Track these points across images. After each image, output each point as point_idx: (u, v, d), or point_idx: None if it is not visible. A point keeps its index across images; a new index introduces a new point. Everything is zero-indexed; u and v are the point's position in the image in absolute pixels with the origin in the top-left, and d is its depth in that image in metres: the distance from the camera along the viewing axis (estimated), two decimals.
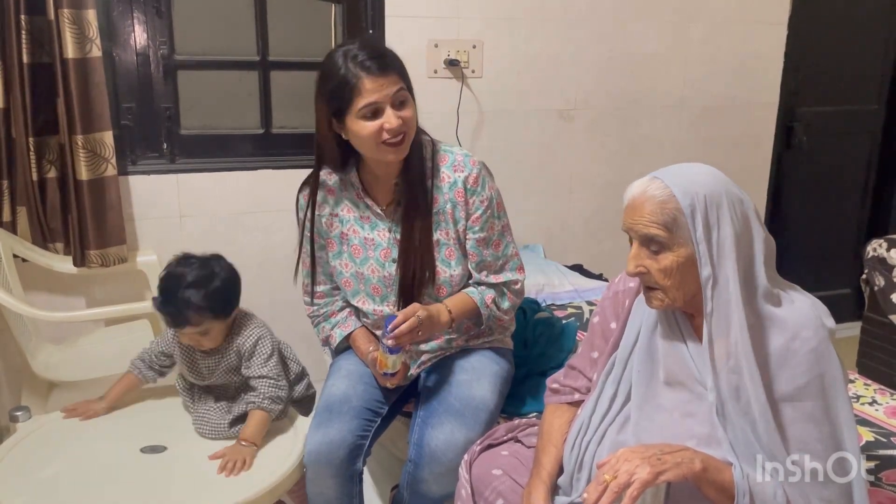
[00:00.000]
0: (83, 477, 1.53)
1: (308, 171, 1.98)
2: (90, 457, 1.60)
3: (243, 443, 1.60)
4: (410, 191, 1.63)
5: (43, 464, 1.57)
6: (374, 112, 1.52)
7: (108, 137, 2.26)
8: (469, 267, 1.69)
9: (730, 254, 1.12)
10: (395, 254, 1.67)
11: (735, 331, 1.12)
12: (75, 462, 1.58)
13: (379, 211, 1.69)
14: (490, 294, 1.69)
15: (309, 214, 1.72)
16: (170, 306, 1.60)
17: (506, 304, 1.71)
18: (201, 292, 1.58)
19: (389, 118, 1.52)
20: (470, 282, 1.72)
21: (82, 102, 2.20)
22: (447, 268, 1.67)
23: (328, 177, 1.71)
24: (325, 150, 1.64)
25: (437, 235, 1.66)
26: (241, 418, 1.67)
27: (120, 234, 2.33)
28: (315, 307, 1.80)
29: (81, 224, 2.27)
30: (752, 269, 1.15)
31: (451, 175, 1.66)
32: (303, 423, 1.72)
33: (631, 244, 1.19)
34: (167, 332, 1.77)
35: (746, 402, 1.13)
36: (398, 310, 1.65)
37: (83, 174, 2.23)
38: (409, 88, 1.58)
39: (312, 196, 1.70)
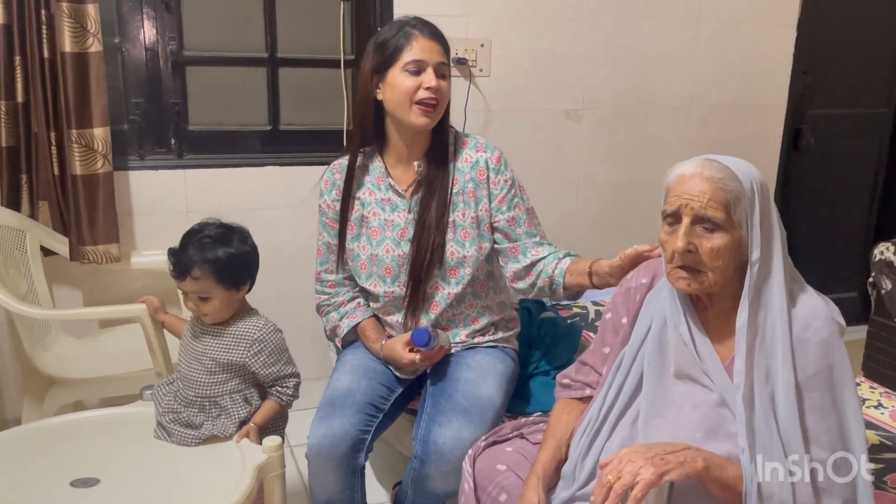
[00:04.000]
0: None
1: (315, 168, 1.99)
2: (13, 493, 1.42)
3: (252, 425, 1.61)
4: (431, 170, 1.69)
5: None
6: (418, 71, 1.61)
7: (103, 133, 2.24)
8: (501, 247, 1.71)
9: (777, 239, 1.16)
10: (410, 233, 1.70)
11: (775, 314, 1.15)
12: None
13: (401, 191, 1.72)
14: (560, 254, 1.68)
15: (327, 200, 1.76)
16: (179, 254, 1.59)
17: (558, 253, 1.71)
18: (211, 247, 1.58)
19: (430, 78, 1.60)
20: (534, 259, 1.68)
21: (78, 97, 2.19)
22: (461, 248, 1.69)
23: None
24: (361, 117, 1.69)
25: (453, 216, 1.70)
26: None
27: (112, 231, 2.30)
28: (325, 296, 1.82)
29: (76, 219, 2.27)
30: (788, 257, 1.19)
31: (473, 155, 1.72)
32: (252, 452, 1.54)
33: (668, 224, 1.18)
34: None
35: (774, 385, 1.14)
36: (407, 291, 1.70)
37: (77, 169, 2.23)
38: (449, 68, 1.68)
39: (348, 180, 1.73)
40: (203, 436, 1.59)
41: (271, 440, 1.54)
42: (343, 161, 1.75)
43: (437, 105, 1.63)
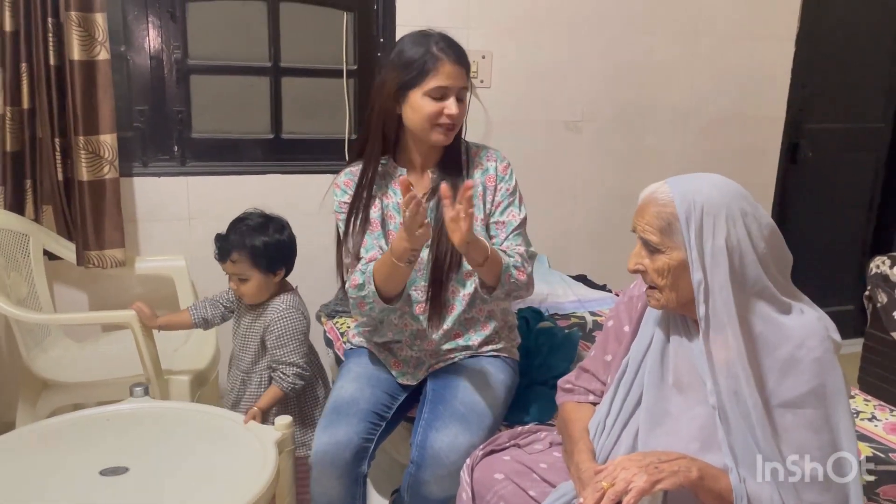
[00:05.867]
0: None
1: (317, 176, 1.99)
2: (45, 481, 1.46)
3: (255, 408, 1.75)
4: (446, 178, 1.71)
5: None
6: (441, 96, 1.62)
7: (110, 140, 2.28)
8: None
9: (722, 262, 1.16)
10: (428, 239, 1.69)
11: (730, 338, 1.16)
12: (29, 488, 1.45)
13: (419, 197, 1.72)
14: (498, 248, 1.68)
15: (354, 193, 1.72)
16: (222, 240, 1.81)
17: (518, 260, 1.66)
18: (249, 234, 1.79)
19: (451, 106, 1.63)
20: None
21: (85, 104, 2.23)
22: None
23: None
24: (385, 124, 1.68)
25: None
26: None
27: (118, 236, 2.34)
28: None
29: (82, 224, 2.29)
30: (752, 280, 1.17)
31: (485, 164, 1.77)
32: (265, 431, 1.64)
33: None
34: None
35: (745, 407, 1.15)
36: (427, 297, 1.70)
37: (83, 175, 2.26)
38: (469, 87, 1.70)
39: (367, 185, 1.71)
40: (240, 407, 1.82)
41: (283, 419, 1.65)
42: (360, 167, 1.75)
43: (456, 125, 1.67)
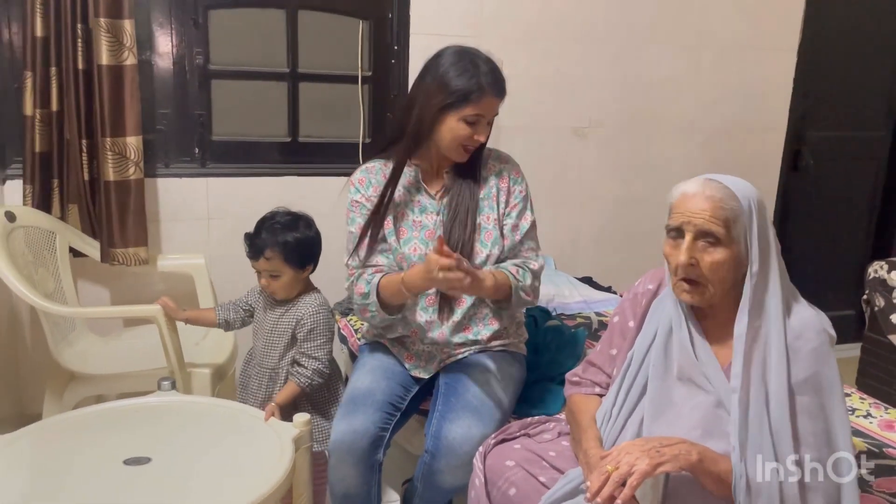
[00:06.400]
0: (60, 492, 1.42)
1: (332, 178, 2.03)
2: (69, 470, 1.50)
3: (273, 404, 1.78)
4: (460, 178, 1.80)
5: (18, 479, 1.46)
6: (474, 122, 1.70)
7: (136, 142, 2.36)
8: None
9: (774, 254, 1.25)
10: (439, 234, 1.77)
11: (771, 322, 1.24)
12: (53, 476, 1.47)
13: (432, 194, 1.82)
14: (513, 267, 1.76)
15: (365, 195, 1.79)
16: (254, 236, 1.86)
17: (528, 280, 1.75)
18: (281, 232, 1.84)
19: (481, 134, 1.73)
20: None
21: (112, 107, 2.30)
22: (485, 248, 1.78)
23: (384, 166, 1.82)
24: (416, 134, 1.74)
25: (479, 219, 1.80)
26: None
27: (142, 235, 2.42)
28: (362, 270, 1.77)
29: (107, 223, 2.38)
30: (785, 270, 1.28)
31: (497, 165, 1.85)
32: (284, 427, 1.66)
33: (671, 238, 1.29)
34: (255, 288, 1.99)
35: (767, 390, 1.23)
36: (437, 290, 1.75)
37: (110, 175, 2.34)
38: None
39: (393, 180, 1.77)
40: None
41: (301, 416, 1.68)
42: (375, 164, 1.83)
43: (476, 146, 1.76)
